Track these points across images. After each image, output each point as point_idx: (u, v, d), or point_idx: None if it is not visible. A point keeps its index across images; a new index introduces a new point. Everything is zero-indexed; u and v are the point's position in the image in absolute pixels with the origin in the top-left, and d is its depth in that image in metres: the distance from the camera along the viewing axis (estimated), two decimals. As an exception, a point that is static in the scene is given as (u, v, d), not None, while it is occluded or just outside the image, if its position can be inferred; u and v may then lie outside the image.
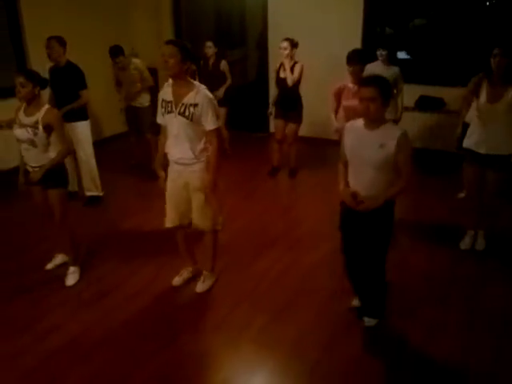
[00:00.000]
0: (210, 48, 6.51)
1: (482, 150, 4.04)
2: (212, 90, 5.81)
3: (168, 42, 3.36)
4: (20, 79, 3.62)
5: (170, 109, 3.41)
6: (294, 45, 5.71)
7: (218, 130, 3.48)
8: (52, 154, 3.76)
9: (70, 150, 3.93)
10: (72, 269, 4.08)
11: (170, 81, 3.45)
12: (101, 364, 3.13)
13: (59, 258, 4.22)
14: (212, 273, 3.96)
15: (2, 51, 6.23)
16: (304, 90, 5.98)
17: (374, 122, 2.93)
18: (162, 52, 3.31)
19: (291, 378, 3.02)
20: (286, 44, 5.68)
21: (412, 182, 3.03)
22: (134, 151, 6.62)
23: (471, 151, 4.11)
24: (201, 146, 3.47)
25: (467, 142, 4.14)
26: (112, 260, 4.35)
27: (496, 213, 4.36)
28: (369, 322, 3.41)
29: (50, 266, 4.19)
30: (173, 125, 3.44)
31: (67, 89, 5.04)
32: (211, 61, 6.56)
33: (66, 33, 5.20)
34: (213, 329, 3.45)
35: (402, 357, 3.17)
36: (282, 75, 5.83)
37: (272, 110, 6.15)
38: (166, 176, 3.64)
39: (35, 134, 3.68)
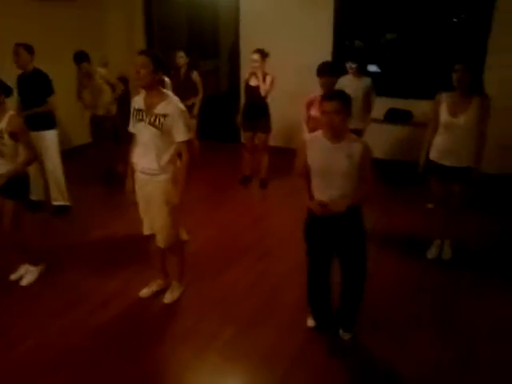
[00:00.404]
0: (181, 58, 6.50)
1: (446, 162, 4.11)
2: (183, 99, 5.83)
3: (141, 53, 3.36)
4: None
5: (140, 117, 3.40)
6: (264, 55, 5.75)
7: (189, 143, 3.47)
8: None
9: (34, 157, 3.82)
10: (31, 268, 4.07)
11: (143, 91, 3.44)
12: (66, 376, 3.07)
13: (24, 268, 4.12)
14: (180, 283, 3.93)
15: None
16: (275, 101, 6.02)
17: (339, 134, 2.98)
18: (134, 62, 3.31)
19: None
20: (256, 56, 5.72)
21: (377, 191, 3.11)
22: (102, 160, 6.53)
23: (435, 163, 4.19)
24: (167, 157, 3.44)
25: (432, 154, 4.22)
26: (80, 270, 4.27)
27: (461, 222, 4.43)
28: (344, 335, 3.40)
29: (14, 277, 4.09)
30: (142, 134, 3.42)
31: (34, 96, 4.97)
32: (182, 70, 6.56)
33: (36, 41, 5.15)
34: (180, 340, 3.40)
35: (369, 368, 3.18)
36: (252, 83, 5.86)
37: (239, 118, 6.16)
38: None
39: (1, 144, 3.62)
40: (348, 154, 2.96)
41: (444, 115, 4.04)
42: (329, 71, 4.40)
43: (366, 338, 3.42)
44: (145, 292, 3.91)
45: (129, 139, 3.67)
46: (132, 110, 3.48)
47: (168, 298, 3.84)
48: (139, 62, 3.26)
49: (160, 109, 3.34)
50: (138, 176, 3.56)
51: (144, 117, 3.37)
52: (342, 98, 2.94)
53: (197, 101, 6.56)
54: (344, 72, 5.75)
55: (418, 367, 3.15)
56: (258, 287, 4.04)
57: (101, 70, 6.13)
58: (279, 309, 3.75)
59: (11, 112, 3.72)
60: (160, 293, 3.91)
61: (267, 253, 4.63)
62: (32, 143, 3.83)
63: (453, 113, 4.00)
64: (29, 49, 4.91)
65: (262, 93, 5.76)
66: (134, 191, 3.62)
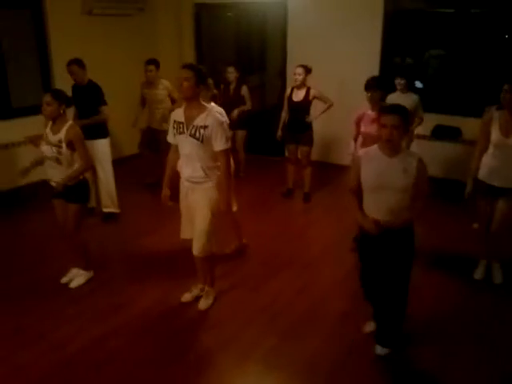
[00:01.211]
0: (231, 73, 6.64)
1: (495, 183, 4.02)
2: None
3: (184, 66, 3.51)
4: (47, 98, 3.79)
5: (181, 130, 3.53)
6: (307, 71, 5.82)
7: (227, 152, 3.56)
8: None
9: (88, 166, 4.01)
10: (81, 272, 4.22)
11: (184, 103, 3.57)
12: (108, 378, 3.17)
13: (74, 272, 4.28)
14: (212, 288, 3.99)
15: (30, 71, 6.46)
16: (319, 118, 6.06)
17: (394, 148, 3.00)
18: (179, 75, 3.47)
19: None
20: (300, 70, 5.80)
21: (427, 208, 3.08)
22: (149, 171, 6.70)
23: (484, 183, 4.09)
24: (212, 165, 3.57)
25: (481, 174, 4.12)
26: (125, 276, 4.42)
27: (506, 243, 4.32)
28: (381, 350, 3.36)
29: (65, 280, 4.26)
30: (185, 145, 3.56)
31: (89, 106, 5.19)
32: (232, 86, 6.69)
33: (90, 54, 5.39)
34: (220, 347, 3.46)
35: (409, 381, 3.15)
36: (294, 99, 5.94)
37: (280, 133, 6.23)
38: (172, 194, 3.77)
39: (59, 153, 3.82)
40: (404, 168, 2.97)
41: (496, 134, 3.94)
42: (376, 85, 4.41)
43: (407, 357, 3.37)
44: (186, 296, 4.00)
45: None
46: (172, 122, 3.63)
47: (203, 304, 3.91)
48: (183, 75, 3.42)
49: (200, 121, 3.46)
50: (183, 184, 3.70)
51: (185, 129, 3.51)
52: (402, 113, 2.96)
53: (243, 109, 6.66)
54: (393, 88, 5.75)
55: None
56: (301, 298, 4.05)
57: (165, 81, 6.25)
58: (321, 320, 3.75)
59: (70, 122, 3.92)
60: (201, 297, 3.99)
61: (310, 265, 4.64)
62: (88, 153, 4.01)
63: (505, 132, 3.90)
64: (80, 64, 5.16)
65: (311, 120, 5.88)
66: (167, 197, 3.76)
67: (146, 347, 3.46)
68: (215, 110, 3.56)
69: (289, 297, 4.08)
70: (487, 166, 4.07)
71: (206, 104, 3.61)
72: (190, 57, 8.27)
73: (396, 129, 2.91)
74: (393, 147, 2.99)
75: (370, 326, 3.52)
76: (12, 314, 3.81)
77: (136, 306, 3.93)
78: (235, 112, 6.57)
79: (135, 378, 3.17)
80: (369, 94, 4.42)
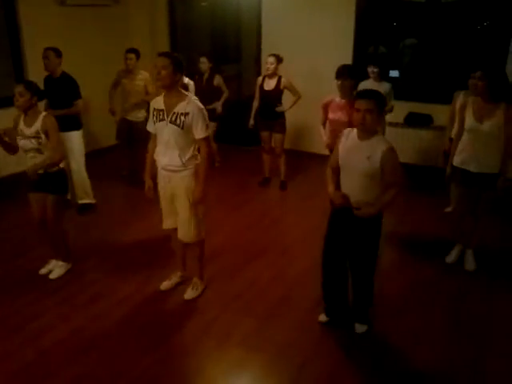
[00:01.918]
0: (204, 63, 6.65)
1: (472, 168, 4.08)
2: (206, 104, 5.99)
3: (161, 54, 3.51)
4: (19, 89, 3.77)
5: (161, 117, 3.54)
6: (279, 60, 5.91)
7: (207, 139, 3.60)
8: None
9: (60, 157, 3.95)
10: (60, 263, 4.25)
11: (163, 91, 3.58)
12: (90, 364, 3.21)
13: (53, 264, 4.30)
14: (201, 281, 4.05)
15: (2, 63, 6.38)
16: (285, 105, 6.12)
17: (367, 132, 3.08)
18: (155, 64, 3.47)
19: (276, 381, 3.09)
20: (272, 59, 5.89)
21: (402, 192, 3.18)
22: (125, 163, 6.69)
23: (460, 169, 4.17)
24: (190, 153, 3.59)
25: (456, 160, 4.19)
26: (104, 266, 4.43)
27: (484, 230, 4.41)
28: (360, 328, 3.49)
29: (43, 271, 4.26)
30: (163, 132, 3.56)
31: (62, 98, 5.15)
32: (205, 76, 6.70)
33: (64, 45, 5.34)
34: (201, 331, 3.53)
35: (382, 363, 3.25)
36: (266, 87, 6.02)
37: (252, 121, 6.31)
38: (154, 185, 3.77)
39: (39, 143, 3.83)
40: (368, 155, 3.04)
41: (469, 120, 4.02)
42: (347, 74, 4.49)
43: (380, 336, 3.49)
44: (165, 284, 4.05)
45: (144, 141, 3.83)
46: (152, 110, 3.64)
47: (189, 294, 3.96)
48: (160, 64, 3.42)
49: (180, 108, 3.48)
50: (160, 173, 3.71)
51: (165, 116, 3.52)
52: (376, 98, 3.04)
53: (221, 100, 6.70)
54: (365, 76, 5.84)
55: (430, 365, 3.22)
56: (277, 283, 4.14)
57: (144, 73, 6.21)
58: (296, 304, 3.85)
59: (44, 112, 3.93)
60: (179, 285, 4.05)
61: (285, 251, 4.73)
62: (61, 143, 4.00)
63: (478, 118, 3.97)
64: (57, 52, 5.11)
65: (297, 96, 5.95)
66: (152, 188, 3.78)
67: (125, 335, 3.50)
68: (194, 98, 3.59)
69: (265, 282, 4.17)
70: (462, 151, 4.14)
71: (185, 92, 3.64)
72: (164, 47, 8.23)
73: (369, 113, 2.99)
74: (365, 131, 3.07)
75: (323, 317, 3.61)
76: (-10, 306, 3.82)
77: (115, 296, 3.96)
78: (219, 107, 6.63)
79: (115, 365, 3.21)
80: (339, 82, 4.49)
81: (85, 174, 5.52)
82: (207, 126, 3.56)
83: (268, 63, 5.90)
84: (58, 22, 6.70)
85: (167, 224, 3.88)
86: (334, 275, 3.45)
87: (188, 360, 3.26)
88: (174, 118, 3.48)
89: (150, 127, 3.70)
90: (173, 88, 3.51)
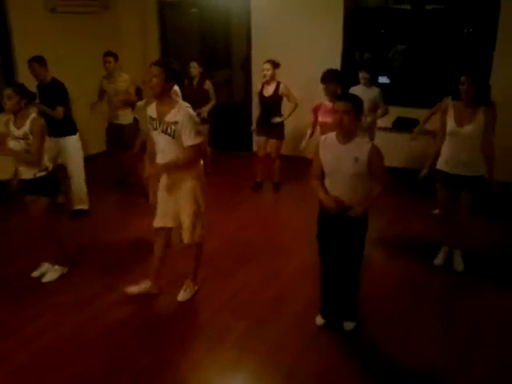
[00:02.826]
0: (194, 68, 6.69)
1: (452, 171, 4.17)
2: (195, 108, 6.03)
3: (155, 63, 3.55)
4: (7, 91, 3.83)
5: (154, 126, 3.60)
6: (275, 65, 5.96)
7: (197, 146, 3.59)
8: (45, 161, 3.98)
9: (36, 160, 3.94)
10: (56, 267, 4.28)
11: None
12: (87, 365, 3.24)
13: (45, 267, 4.31)
14: (195, 282, 4.08)
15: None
16: (284, 111, 6.20)
17: (347, 135, 3.15)
18: (149, 72, 3.52)
19: (268, 381, 3.13)
20: (268, 66, 5.94)
21: (385, 196, 3.25)
22: (116, 168, 6.71)
23: (442, 171, 4.25)
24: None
25: (439, 163, 4.27)
26: (97, 268, 4.47)
27: (469, 231, 4.47)
28: (348, 325, 3.57)
29: (36, 274, 4.28)
30: (159, 141, 3.62)
31: (53, 104, 5.16)
32: (195, 81, 6.74)
33: (55, 52, 5.38)
34: (194, 333, 3.57)
35: (374, 363, 3.30)
36: (265, 94, 6.07)
37: (255, 127, 6.37)
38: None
39: (28, 145, 3.85)
40: (355, 156, 3.11)
41: (450, 124, 4.10)
42: (330, 78, 4.61)
43: (371, 336, 3.55)
44: (132, 289, 3.98)
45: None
46: (148, 117, 3.69)
47: (182, 296, 3.99)
48: (152, 72, 3.46)
49: (170, 117, 3.52)
50: (162, 176, 3.78)
51: (157, 125, 3.57)
52: (353, 100, 3.14)
53: (208, 107, 6.71)
54: (354, 81, 5.94)
55: (420, 365, 3.27)
56: (269, 285, 4.19)
57: (125, 75, 6.23)
58: (289, 305, 3.90)
59: (33, 115, 3.96)
60: (144, 297, 3.98)
61: (278, 253, 4.79)
62: (41, 148, 3.95)
63: (459, 122, 4.06)
64: (41, 61, 5.15)
65: (295, 103, 6.02)
66: (155, 194, 3.83)
67: (120, 336, 3.53)
68: (185, 105, 3.63)
69: (257, 283, 4.21)
70: (444, 154, 4.23)
71: (176, 99, 3.68)
72: (154, 53, 8.27)
73: (347, 114, 3.07)
74: (345, 133, 3.15)
75: (320, 320, 3.65)
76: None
77: (106, 299, 3.98)
78: (205, 113, 6.62)
79: (111, 365, 3.24)
80: (324, 86, 4.62)
81: (82, 180, 5.54)
82: (196, 134, 3.55)
83: (264, 70, 5.96)
84: (48, 29, 6.72)
85: (159, 222, 3.86)
86: (332, 272, 3.50)
87: (182, 361, 3.29)
88: (165, 128, 3.53)
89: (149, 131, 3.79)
90: (163, 96, 3.53)
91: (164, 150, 3.61)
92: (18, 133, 3.86)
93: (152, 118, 3.61)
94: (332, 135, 3.25)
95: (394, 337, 3.54)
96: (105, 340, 3.49)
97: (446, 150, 4.22)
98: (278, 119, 6.06)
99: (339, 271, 3.47)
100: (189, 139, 3.52)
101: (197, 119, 3.64)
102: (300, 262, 4.51)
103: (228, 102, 8.36)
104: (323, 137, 3.37)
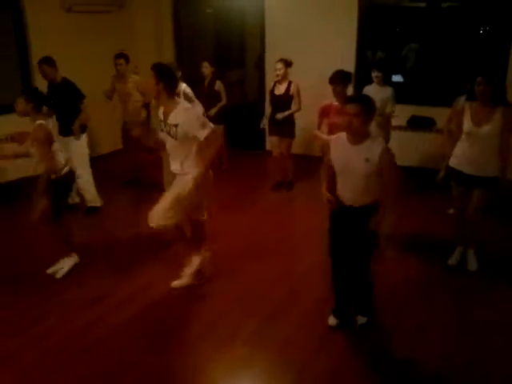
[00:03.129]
0: (206, 68, 6.73)
1: (465, 170, 4.13)
2: (207, 108, 6.07)
3: (151, 67, 3.66)
4: (19, 100, 3.95)
5: (161, 127, 3.69)
6: (287, 64, 5.95)
7: (212, 135, 3.57)
8: (59, 163, 4.08)
9: (47, 169, 4.00)
10: (65, 259, 4.35)
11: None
12: (96, 363, 3.26)
13: (60, 263, 4.36)
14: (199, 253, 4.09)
15: (10, 70, 6.49)
16: (298, 112, 6.18)
17: (358, 136, 3.13)
18: None
19: (279, 379, 3.12)
20: (280, 65, 5.94)
21: (401, 195, 3.24)
22: (129, 167, 6.76)
23: (457, 170, 4.22)
24: (189, 161, 3.69)
25: (453, 162, 4.24)
26: (108, 267, 4.49)
27: (482, 231, 4.42)
28: (361, 319, 3.57)
29: (50, 271, 4.33)
30: (167, 141, 3.72)
31: (64, 103, 5.22)
32: (207, 80, 6.78)
33: (70, 50, 5.45)
34: (205, 331, 3.57)
35: (384, 362, 3.27)
36: (276, 92, 6.08)
37: (266, 122, 6.38)
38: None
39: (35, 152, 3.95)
40: (367, 157, 3.10)
41: (467, 124, 4.06)
42: (338, 79, 4.60)
43: (382, 335, 3.53)
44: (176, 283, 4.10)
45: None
46: (158, 119, 3.79)
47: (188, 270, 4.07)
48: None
49: (172, 119, 3.59)
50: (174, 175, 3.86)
51: (163, 127, 3.66)
52: (363, 102, 3.10)
53: (220, 106, 6.73)
54: (368, 81, 5.91)
55: (432, 364, 3.24)
56: (281, 283, 4.18)
57: (134, 76, 6.29)
58: (300, 303, 3.89)
59: (39, 122, 3.96)
60: (157, 294, 4.05)
61: (290, 251, 4.79)
62: (47, 155, 3.97)
63: (476, 122, 4.01)
64: (49, 62, 5.22)
65: (282, 118, 5.98)
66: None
67: (130, 334, 3.55)
68: (185, 106, 3.68)
69: (269, 281, 4.21)
70: (460, 154, 4.18)
71: (178, 100, 3.73)
72: (169, 52, 8.34)
73: (356, 116, 3.03)
74: (355, 135, 3.12)
75: (332, 320, 3.60)
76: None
77: (117, 296, 4.01)
78: (213, 111, 6.63)
79: (121, 363, 3.26)
80: (333, 88, 4.62)
81: (90, 179, 5.58)
82: (203, 125, 3.55)
83: (276, 70, 5.96)
84: (64, 27, 6.81)
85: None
86: (344, 269, 3.48)
87: (193, 358, 3.30)
88: (168, 129, 3.62)
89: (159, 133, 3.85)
90: (161, 98, 3.62)
91: (172, 149, 3.71)
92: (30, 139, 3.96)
93: (160, 120, 3.71)
94: (343, 135, 3.24)
95: (405, 335, 3.51)
96: (114, 338, 3.50)
97: (461, 149, 4.17)
98: (279, 116, 6.02)
99: (351, 267, 3.44)
100: (201, 134, 3.54)
101: (198, 113, 3.72)
102: (312, 260, 4.49)
103: (242, 101, 8.38)
104: (335, 136, 3.36)
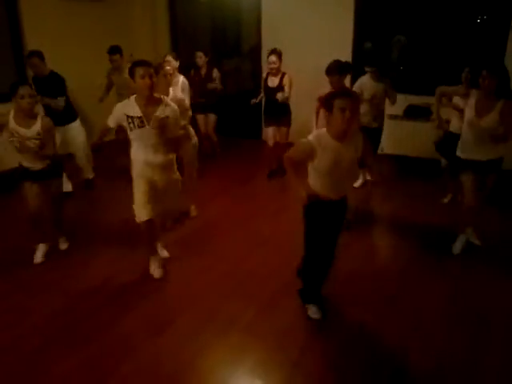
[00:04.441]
0: (200, 58, 6.74)
1: (474, 157, 4.18)
2: (204, 96, 6.04)
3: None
4: (29, 90, 3.87)
5: (141, 124, 3.67)
6: (280, 56, 5.96)
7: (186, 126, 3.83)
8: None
9: (51, 156, 4.12)
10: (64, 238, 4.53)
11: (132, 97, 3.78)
12: (96, 349, 3.26)
13: (42, 247, 4.38)
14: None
15: (4, 58, 6.43)
16: (294, 101, 6.19)
17: (349, 132, 3.05)
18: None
19: (276, 367, 3.13)
20: (274, 58, 5.94)
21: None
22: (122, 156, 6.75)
23: (465, 160, 4.26)
24: (171, 153, 3.86)
25: (458, 152, 4.30)
26: (106, 251, 4.53)
27: (483, 220, 4.54)
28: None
29: (39, 260, 4.32)
30: (148, 137, 3.72)
31: (51, 95, 5.27)
32: (203, 70, 6.78)
33: (65, 40, 5.38)
34: (203, 320, 3.57)
35: (381, 353, 3.27)
36: (270, 84, 6.09)
37: (259, 98, 6.42)
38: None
39: (41, 142, 3.96)
40: (355, 147, 3.14)
41: (469, 113, 4.11)
42: (335, 70, 4.60)
43: (378, 325, 3.52)
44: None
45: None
46: (125, 117, 3.72)
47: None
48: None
49: (160, 112, 3.65)
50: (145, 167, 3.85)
51: (145, 123, 3.66)
52: (356, 96, 3.14)
53: (215, 87, 6.75)
54: (363, 72, 5.88)
55: (429, 352, 3.25)
56: (279, 273, 4.17)
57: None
58: (296, 294, 3.88)
59: (42, 114, 4.10)
60: (153, 282, 4.07)
61: (287, 241, 4.73)
62: (54, 144, 4.14)
63: (478, 113, 4.06)
64: (41, 56, 5.26)
65: (284, 98, 5.94)
66: None
67: (130, 320, 3.56)
68: (167, 102, 3.75)
69: (267, 272, 4.20)
70: (463, 143, 4.26)
71: (159, 95, 3.76)
72: (165, 41, 8.29)
73: (347, 111, 2.92)
74: (345, 130, 3.01)
75: (317, 313, 3.58)
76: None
77: (119, 280, 4.04)
78: (219, 85, 6.70)
79: (122, 349, 3.26)
80: (329, 78, 4.66)
81: (88, 153, 5.86)
82: (181, 116, 3.78)
83: (271, 63, 5.96)
84: (58, 16, 6.73)
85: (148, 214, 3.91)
86: (328, 258, 3.52)
87: (191, 345, 3.30)
88: (155, 123, 3.62)
89: (110, 122, 3.87)
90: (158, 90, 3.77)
91: (154, 144, 3.74)
92: (31, 133, 3.94)
93: (135, 117, 3.66)
94: (324, 135, 3.09)
95: (402, 328, 3.50)
96: (115, 324, 3.52)
97: (464, 137, 4.25)
98: (280, 95, 5.95)
99: (332, 252, 3.51)
100: (181, 123, 3.76)
101: (178, 104, 3.87)
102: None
103: (238, 90, 8.35)
104: (315, 138, 3.11)
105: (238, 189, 6.20)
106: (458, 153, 4.31)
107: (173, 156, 3.91)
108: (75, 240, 4.64)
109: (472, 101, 4.11)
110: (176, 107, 3.76)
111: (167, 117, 3.64)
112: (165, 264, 4.20)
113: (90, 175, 6.12)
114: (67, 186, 5.64)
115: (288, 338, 3.37)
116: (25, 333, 3.43)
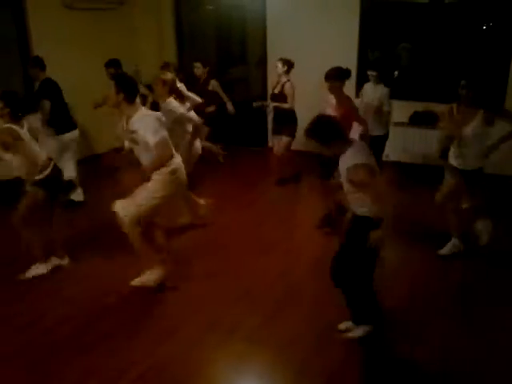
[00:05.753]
0: (198, 68, 6.78)
1: (457, 165, 4.34)
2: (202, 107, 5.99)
3: None
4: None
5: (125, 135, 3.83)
6: (288, 64, 6.03)
7: (161, 143, 3.67)
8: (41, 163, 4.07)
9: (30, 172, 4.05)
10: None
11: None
12: (97, 359, 3.26)
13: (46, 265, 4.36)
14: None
15: (12, 66, 6.48)
16: (299, 109, 6.18)
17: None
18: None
19: (278, 377, 3.11)
20: (279, 64, 6.05)
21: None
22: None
23: (450, 165, 4.43)
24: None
25: (448, 157, 4.46)
26: (102, 258, 4.53)
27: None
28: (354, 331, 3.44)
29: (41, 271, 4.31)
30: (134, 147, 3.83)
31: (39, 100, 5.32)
32: (201, 81, 6.81)
33: (72, 48, 5.40)
34: (207, 327, 3.57)
35: (389, 360, 3.26)
36: (274, 91, 6.18)
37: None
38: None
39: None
40: (347, 166, 3.11)
41: (450, 125, 4.30)
42: (333, 76, 4.62)
43: (383, 333, 3.48)
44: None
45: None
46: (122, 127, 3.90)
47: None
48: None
49: (130, 125, 3.72)
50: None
51: (128, 134, 3.78)
52: (317, 135, 3.28)
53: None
54: (367, 79, 5.89)
55: (431, 362, 3.22)
56: (283, 280, 4.17)
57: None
58: (302, 301, 3.88)
59: (6, 125, 3.92)
60: (156, 290, 4.03)
61: (292, 249, 4.78)
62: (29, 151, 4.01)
63: (458, 123, 4.21)
64: (35, 62, 5.36)
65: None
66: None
67: (134, 326, 3.56)
68: (143, 112, 3.76)
69: (271, 279, 4.19)
70: (451, 150, 4.41)
71: (137, 107, 3.78)
72: (170, 49, 8.32)
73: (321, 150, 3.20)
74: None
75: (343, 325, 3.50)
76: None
77: (120, 290, 4.02)
78: (210, 109, 6.67)
79: (124, 356, 3.26)
80: (327, 84, 4.70)
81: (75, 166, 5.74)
82: (156, 132, 3.65)
83: (277, 68, 6.07)
84: (65, 25, 6.78)
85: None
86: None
87: (194, 352, 3.30)
88: (129, 136, 3.75)
89: None
90: (123, 107, 3.74)
91: (138, 155, 3.82)
92: None
93: (123, 128, 3.83)
94: None
95: (409, 331, 3.49)
96: (116, 333, 3.51)
97: (452, 147, 4.40)
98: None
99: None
100: (151, 140, 3.64)
101: (153, 120, 3.73)
102: (312, 258, 4.48)
103: (245, 98, 8.35)
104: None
105: (243, 196, 6.18)
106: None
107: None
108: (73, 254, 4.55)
109: (454, 111, 4.30)
110: (147, 119, 3.71)
111: (134, 131, 3.68)
112: (168, 270, 4.17)
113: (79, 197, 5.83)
114: (79, 195, 5.70)
115: (292, 347, 3.34)
116: (32, 339, 3.45)
